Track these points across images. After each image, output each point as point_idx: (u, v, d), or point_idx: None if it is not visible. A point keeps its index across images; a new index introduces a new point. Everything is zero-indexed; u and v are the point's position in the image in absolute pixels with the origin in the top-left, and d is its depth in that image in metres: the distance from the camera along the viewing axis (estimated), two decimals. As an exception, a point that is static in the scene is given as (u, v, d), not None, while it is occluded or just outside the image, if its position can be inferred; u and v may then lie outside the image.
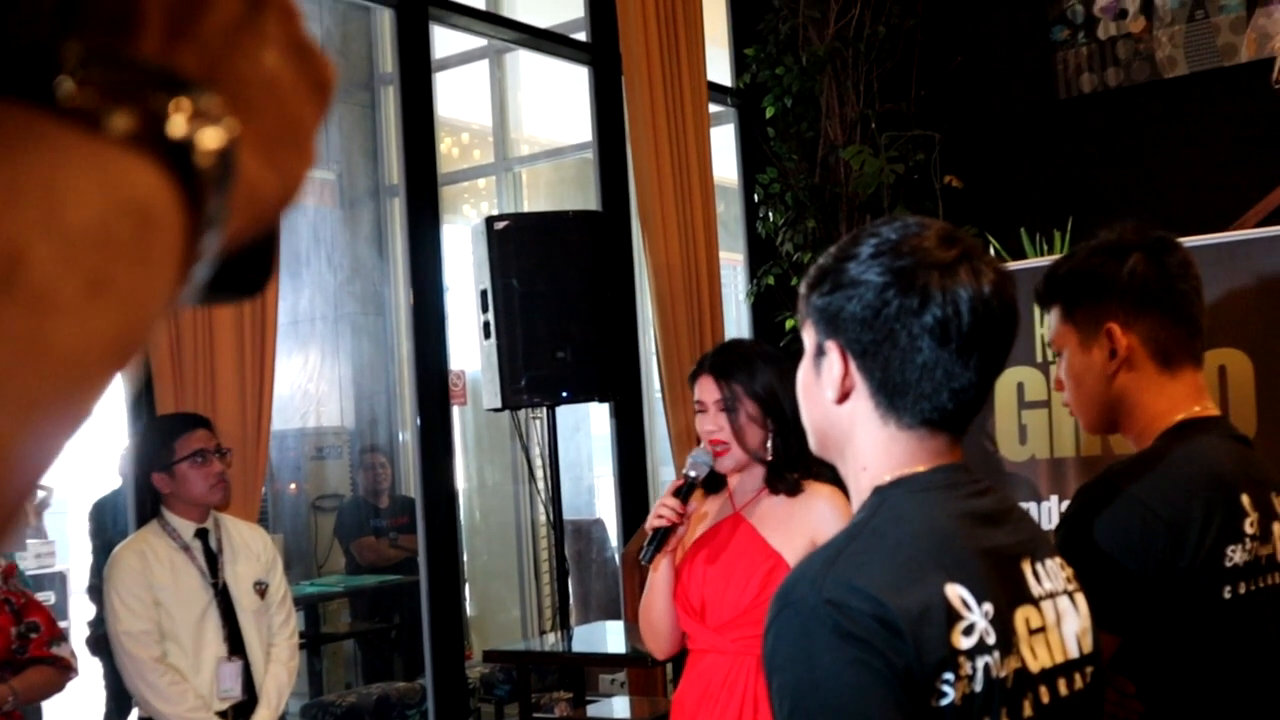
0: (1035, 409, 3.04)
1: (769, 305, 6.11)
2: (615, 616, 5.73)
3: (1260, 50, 5.14)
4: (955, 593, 1.27)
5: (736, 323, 6.59)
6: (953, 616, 1.26)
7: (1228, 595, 1.69)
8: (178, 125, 0.38)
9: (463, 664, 4.86)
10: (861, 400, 1.37)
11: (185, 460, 3.30)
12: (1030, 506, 3.02)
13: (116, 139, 0.37)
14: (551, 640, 4.60)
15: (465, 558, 6.81)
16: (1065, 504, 2.97)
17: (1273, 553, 1.78)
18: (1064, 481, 2.99)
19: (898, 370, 1.34)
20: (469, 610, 7.03)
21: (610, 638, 4.52)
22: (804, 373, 1.45)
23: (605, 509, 6.98)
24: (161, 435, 3.40)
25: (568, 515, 6.29)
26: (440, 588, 4.72)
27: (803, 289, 1.43)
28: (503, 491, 7.23)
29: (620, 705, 4.49)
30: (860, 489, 1.41)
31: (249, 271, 0.47)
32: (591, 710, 4.27)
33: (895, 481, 1.37)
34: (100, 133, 0.37)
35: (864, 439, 1.39)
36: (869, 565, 1.28)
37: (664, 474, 6.57)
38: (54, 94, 0.37)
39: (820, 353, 1.40)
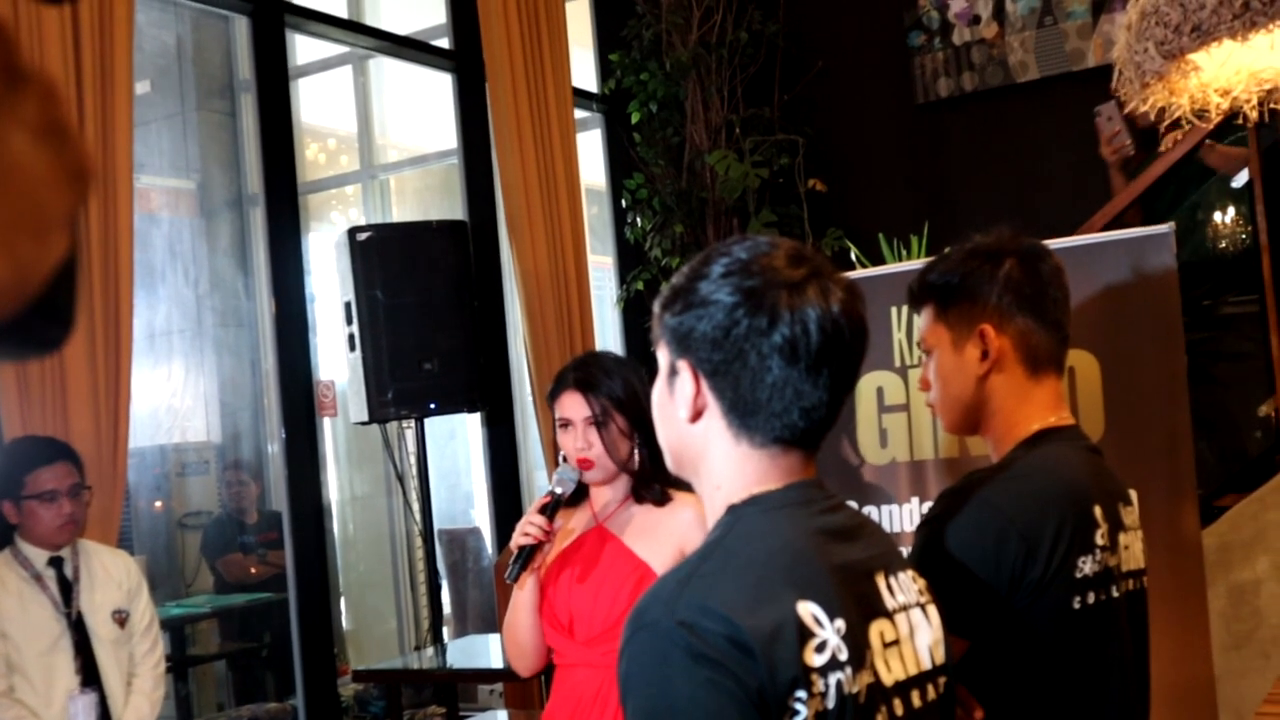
0: (895, 413, 3.09)
1: (639, 310, 6.13)
2: (492, 625, 5.69)
3: (1106, 55, 5.31)
4: (807, 610, 1.28)
5: (607, 327, 6.60)
6: (805, 634, 1.26)
7: (1077, 605, 1.74)
8: None
9: (335, 682, 4.78)
10: (714, 419, 1.38)
11: (34, 498, 3.18)
12: (891, 509, 3.08)
13: None
14: (428, 655, 4.54)
15: (340, 571, 6.70)
16: (926, 505, 3.03)
17: (1119, 564, 1.83)
18: (924, 483, 3.04)
19: (748, 389, 1.35)
20: (345, 624, 6.92)
21: (487, 651, 4.49)
22: (658, 392, 1.45)
23: (482, 517, 6.94)
24: (14, 464, 3.27)
25: (444, 524, 6.24)
26: (310, 604, 4.64)
27: (656, 308, 1.43)
28: (376, 502, 7.13)
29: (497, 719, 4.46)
30: (715, 508, 1.41)
31: (46, 327, 0.45)
32: (466, 726, 4.24)
33: (748, 500, 1.37)
34: None
35: (717, 457, 1.40)
36: (721, 585, 1.28)
37: (538, 479, 6.55)
38: None
39: (673, 372, 1.40)
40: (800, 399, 1.34)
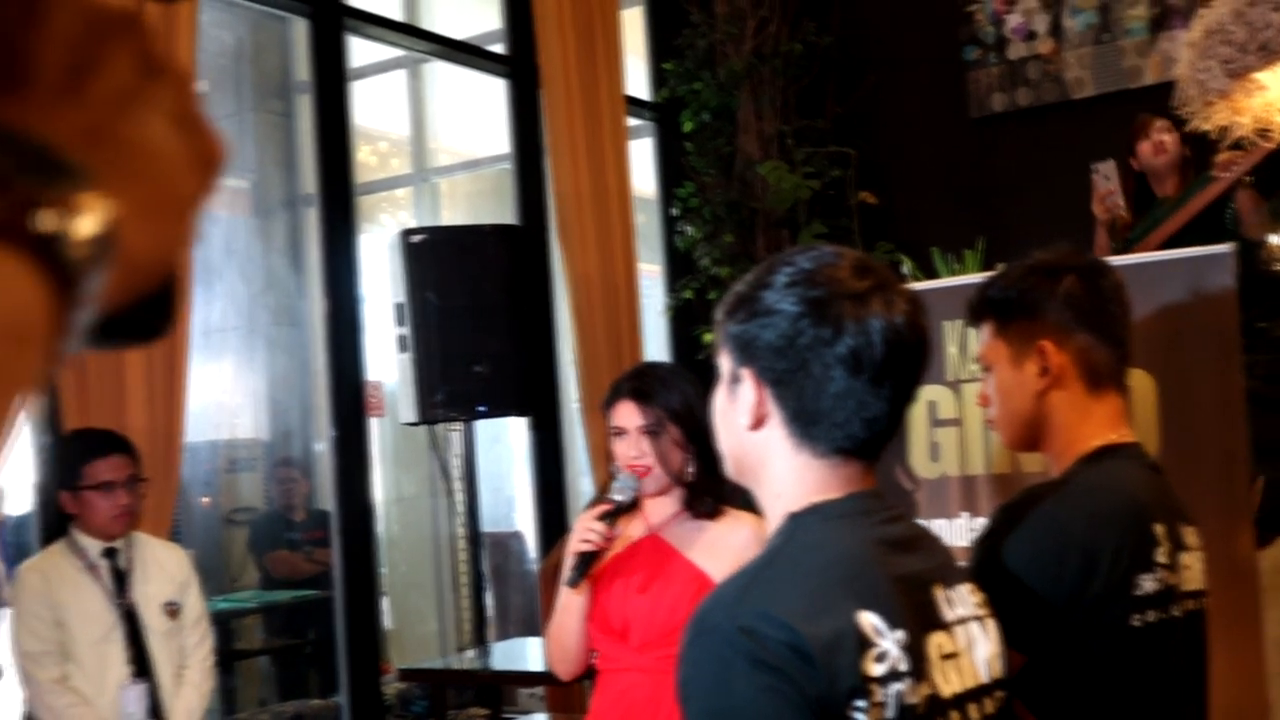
0: (947, 427, 3.09)
1: (687, 318, 6.14)
2: (534, 629, 5.71)
3: (1164, 73, 5.27)
4: (867, 620, 1.28)
5: (655, 335, 6.61)
6: (865, 644, 1.27)
7: (1136, 624, 1.73)
8: (51, 219, 0.38)
9: (378, 680, 4.81)
10: (775, 428, 1.39)
11: (91, 488, 3.23)
12: (942, 524, 3.07)
13: None
14: (470, 656, 4.57)
15: (384, 570, 6.74)
16: (976, 520, 3.02)
17: (1179, 583, 1.82)
18: (975, 499, 3.03)
19: (811, 399, 1.35)
20: (388, 624, 6.96)
21: (529, 654, 4.51)
22: (719, 398, 1.46)
23: (525, 521, 6.96)
24: (73, 455, 3.32)
25: (487, 527, 6.25)
26: (356, 602, 4.67)
27: (719, 315, 1.44)
28: (421, 503, 7.17)
29: (539, 722, 4.47)
30: (775, 515, 1.42)
31: (148, 317, 0.46)
32: (509, 728, 4.25)
33: (809, 509, 1.38)
34: None
35: (778, 466, 1.40)
36: (782, 592, 1.29)
37: (583, 486, 6.56)
38: None
39: (735, 379, 1.41)
40: (863, 410, 1.35)
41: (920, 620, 1.35)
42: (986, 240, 4.07)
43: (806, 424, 1.36)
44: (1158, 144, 4.50)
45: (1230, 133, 2.66)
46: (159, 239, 0.44)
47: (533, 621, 6.06)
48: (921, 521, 3.06)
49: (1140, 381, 2.83)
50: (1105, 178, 4.39)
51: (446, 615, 6.95)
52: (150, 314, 0.46)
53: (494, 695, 4.46)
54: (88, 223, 0.39)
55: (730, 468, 1.48)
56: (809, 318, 1.34)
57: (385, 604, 6.85)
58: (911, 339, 1.37)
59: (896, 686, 1.28)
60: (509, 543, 6.80)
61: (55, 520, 3.44)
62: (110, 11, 0.44)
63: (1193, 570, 1.89)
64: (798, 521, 1.38)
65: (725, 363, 1.43)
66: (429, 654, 6.91)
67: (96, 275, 0.40)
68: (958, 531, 3.05)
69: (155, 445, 3.73)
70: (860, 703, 1.25)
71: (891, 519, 1.42)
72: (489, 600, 6.12)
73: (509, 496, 7.47)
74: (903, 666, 1.29)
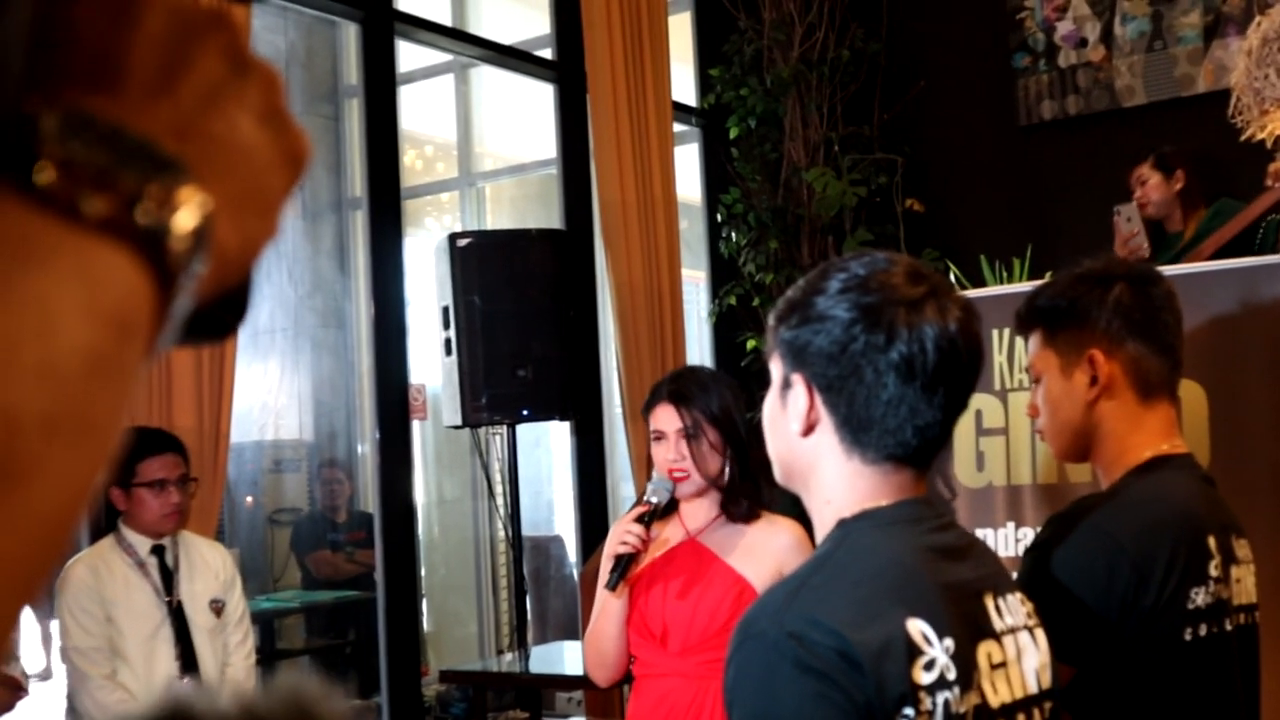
0: (993, 436, 3.06)
1: (730, 325, 6.14)
2: (573, 633, 5.71)
3: (1217, 81, 5.22)
4: (916, 627, 1.28)
5: (698, 341, 6.60)
6: (914, 651, 1.26)
7: (1188, 637, 1.71)
8: (153, 212, 0.39)
9: (419, 682, 4.83)
10: (826, 434, 1.38)
11: (144, 485, 3.26)
12: (986, 533, 3.05)
13: (94, 226, 0.38)
14: (509, 659, 4.58)
15: (423, 573, 6.77)
16: (1021, 531, 3.00)
17: (1231, 596, 1.80)
18: (1020, 509, 3.01)
19: (863, 406, 1.35)
20: (426, 626, 6.99)
21: (568, 658, 4.51)
22: (770, 404, 1.46)
23: (564, 525, 6.97)
24: (124, 452, 3.35)
25: (527, 531, 6.27)
26: (397, 604, 4.70)
27: (771, 321, 1.44)
28: (462, 506, 7.20)
29: (578, 726, 4.48)
30: (824, 521, 1.42)
31: (222, 314, 0.47)
32: (549, 732, 4.26)
33: (859, 515, 1.38)
34: (79, 222, 0.37)
35: (829, 472, 1.40)
36: (831, 599, 1.29)
37: (624, 490, 6.57)
38: (34, 180, 0.37)
39: (786, 385, 1.41)
40: (915, 417, 1.34)
41: (970, 629, 1.34)
42: (1034, 249, 4.04)
43: (857, 430, 1.36)
44: (1141, 197, 4.56)
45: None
46: (247, 234, 0.44)
47: (572, 626, 6.07)
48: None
49: (1191, 392, 2.79)
50: (1127, 219, 4.39)
51: (485, 618, 6.97)
52: (226, 310, 0.47)
53: (533, 698, 4.46)
54: (188, 216, 0.40)
55: (780, 473, 1.48)
56: (862, 324, 1.34)
57: (424, 606, 6.89)
58: (965, 346, 1.36)
59: (944, 695, 1.27)
60: (549, 547, 6.81)
61: (103, 515, 3.48)
62: (200, 9, 0.45)
63: (1244, 584, 1.86)
64: (848, 528, 1.37)
65: (777, 368, 1.43)
66: (467, 656, 6.93)
67: (195, 268, 0.40)
68: (1002, 541, 3.02)
69: (202, 445, 3.77)
70: (908, 710, 1.24)
71: (942, 527, 1.41)
72: (528, 604, 6.13)
73: (549, 500, 7.49)
74: (950, 675, 1.28)
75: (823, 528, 1.42)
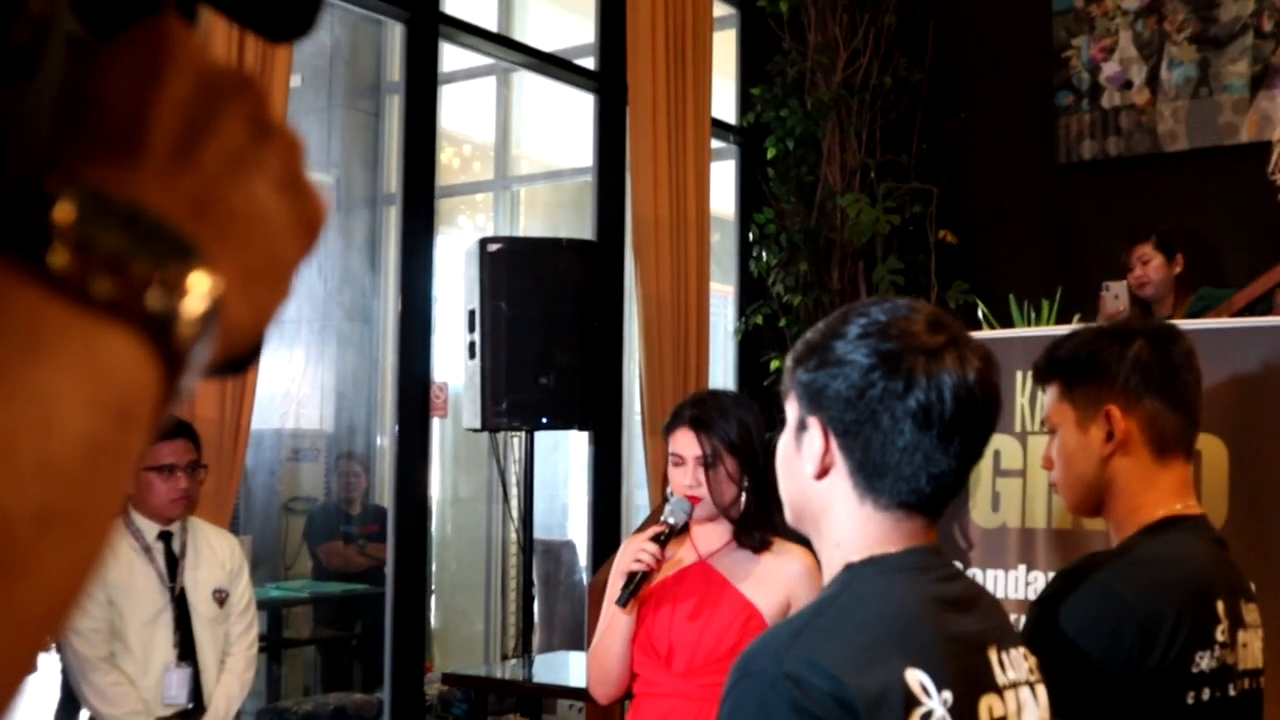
0: (1010, 477, 3.05)
1: (756, 344, 6.14)
2: (578, 640, 5.71)
3: (1261, 132, 5.19)
4: (915, 678, 1.28)
5: (723, 358, 6.60)
6: (910, 702, 1.26)
7: (1191, 701, 1.70)
8: (163, 297, 0.39)
9: (422, 680, 4.85)
10: (840, 478, 1.38)
11: (153, 469, 3.27)
12: (998, 574, 3.03)
13: (102, 309, 0.38)
14: (512, 665, 4.59)
15: (434, 569, 6.79)
16: (1032, 574, 2.99)
17: (1237, 661, 1.79)
18: (1033, 552, 3.00)
19: (878, 451, 1.35)
20: (433, 622, 7.01)
21: (571, 667, 4.52)
22: (784, 445, 1.46)
23: (577, 530, 6.98)
24: None
25: (539, 534, 6.28)
26: (405, 600, 4.71)
27: (789, 362, 1.44)
28: (477, 506, 7.22)
29: (576, 737, 4.48)
30: (832, 564, 1.42)
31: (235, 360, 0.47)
32: (547, 741, 4.26)
33: (866, 560, 1.38)
34: (87, 305, 0.38)
35: (840, 516, 1.40)
36: (831, 643, 1.29)
37: (639, 499, 6.57)
38: (47, 263, 0.37)
39: (802, 427, 1.41)
40: (930, 465, 1.34)
41: (972, 682, 1.33)
42: (1064, 290, 4.03)
43: (872, 476, 1.36)
44: (1140, 277, 4.55)
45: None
46: (259, 305, 0.45)
47: (578, 633, 6.07)
48: (977, 571, 3.04)
49: (1212, 447, 2.78)
50: (1115, 297, 4.37)
51: (492, 619, 6.98)
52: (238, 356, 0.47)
53: (534, 704, 4.47)
54: (198, 301, 0.40)
55: (791, 515, 1.48)
56: (880, 370, 1.34)
57: (432, 603, 6.90)
58: (983, 397, 1.36)
59: (939, 748, 1.27)
60: (560, 552, 6.82)
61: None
62: (224, 73, 0.45)
63: (1251, 648, 1.85)
64: (854, 573, 1.37)
65: (793, 410, 1.43)
66: (472, 655, 6.94)
67: (202, 351, 0.41)
68: (1014, 584, 3.01)
69: (222, 436, 3.79)
70: (902, 761, 1.24)
71: (950, 577, 1.41)
72: (535, 608, 6.14)
73: (564, 504, 7.50)
74: (948, 728, 1.28)
75: (830, 570, 1.42)
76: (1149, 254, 4.65)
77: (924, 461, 1.34)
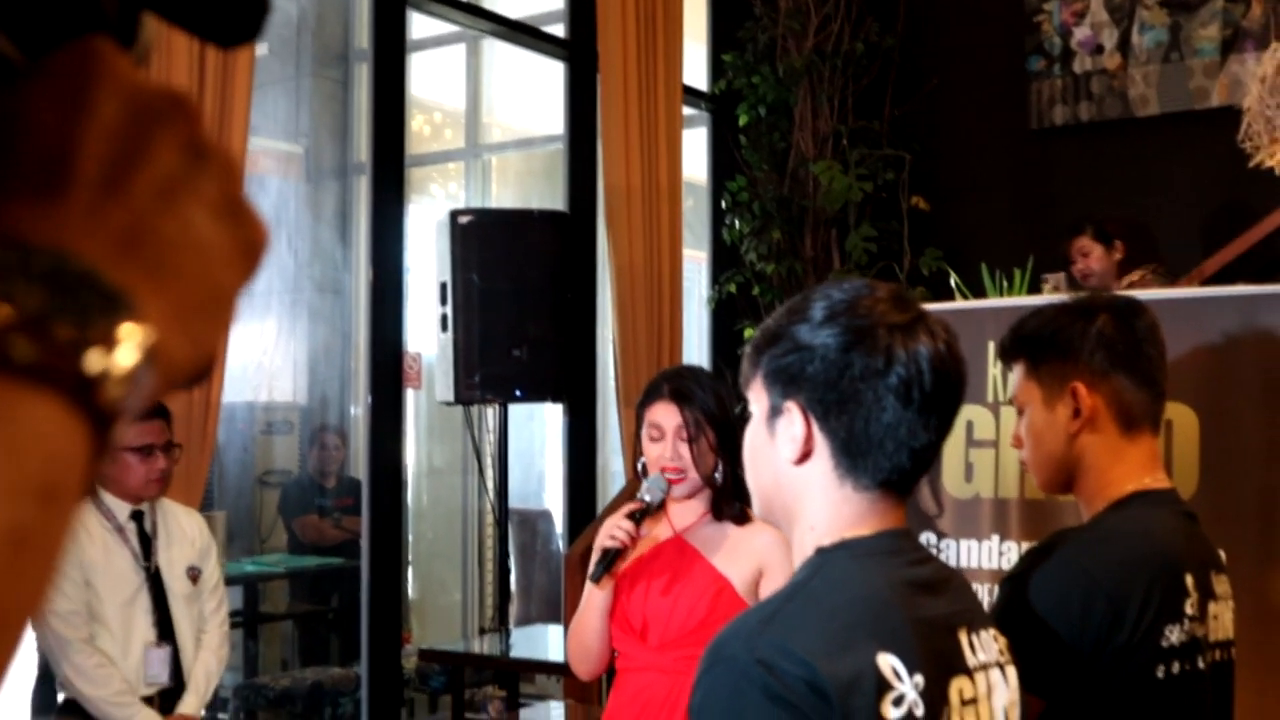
0: (983, 448, 3.06)
1: (730, 312, 6.13)
2: (556, 611, 5.72)
3: (1232, 95, 5.19)
4: (887, 662, 1.28)
5: (697, 327, 6.59)
6: (883, 686, 1.26)
7: (1161, 675, 1.71)
8: (89, 356, 0.37)
9: (399, 653, 4.85)
10: (821, 460, 1.37)
11: (129, 450, 3.25)
12: (971, 544, 3.05)
13: (22, 374, 0.35)
14: (490, 639, 4.59)
15: (410, 540, 6.79)
16: (1006, 544, 3.00)
17: (1207, 634, 1.80)
18: (1007, 522, 3.01)
19: (861, 430, 1.34)
20: (411, 593, 7.01)
21: (549, 642, 4.52)
22: (754, 434, 1.44)
23: (553, 499, 6.98)
24: None
25: (516, 503, 6.28)
26: (381, 574, 4.70)
27: (749, 351, 1.43)
28: (452, 477, 7.20)
29: (554, 711, 4.49)
30: (804, 548, 1.41)
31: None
32: (525, 715, 4.27)
33: (838, 545, 1.37)
34: (5, 372, 0.35)
35: (816, 500, 1.39)
36: (803, 628, 1.28)
37: (614, 466, 6.57)
38: None
39: (776, 413, 1.39)
40: (912, 439, 1.35)
41: (942, 665, 1.34)
42: (1037, 254, 4.03)
43: (856, 455, 1.36)
44: (1083, 269, 4.57)
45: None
46: (199, 338, 0.43)
47: (556, 603, 6.08)
48: (951, 542, 3.05)
49: (1183, 416, 2.79)
50: (1054, 288, 4.39)
51: (470, 589, 6.99)
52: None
53: (512, 676, 4.48)
54: (128, 355, 0.38)
55: (760, 506, 1.47)
56: (858, 348, 1.34)
57: (410, 574, 6.90)
58: (954, 369, 1.37)
59: (911, 732, 1.27)
60: (536, 522, 6.81)
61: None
62: (156, 96, 0.43)
63: (1221, 620, 1.86)
64: (825, 557, 1.37)
65: (763, 398, 1.41)
66: (450, 624, 6.95)
67: (134, 403, 0.39)
68: (987, 554, 3.02)
69: (191, 414, 3.76)
70: (874, 746, 1.24)
71: (920, 560, 1.41)
72: (512, 577, 6.14)
73: (540, 472, 7.49)
74: (919, 711, 1.28)
75: (801, 554, 1.41)
76: (1088, 246, 4.68)
77: (907, 436, 1.34)
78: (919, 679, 1.29)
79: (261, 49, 6.28)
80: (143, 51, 0.45)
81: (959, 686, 1.35)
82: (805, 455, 1.37)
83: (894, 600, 1.34)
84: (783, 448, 1.39)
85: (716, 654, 1.31)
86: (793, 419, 1.37)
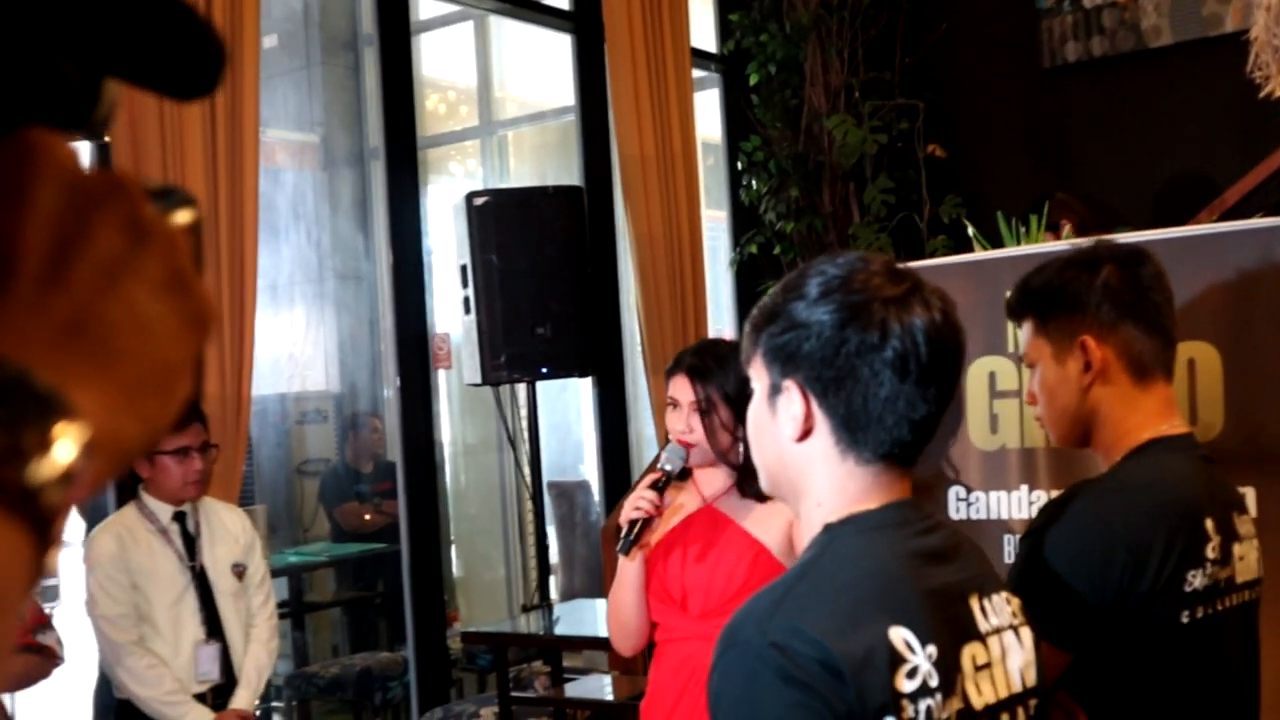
0: (1007, 398, 3.04)
1: (752, 274, 6.11)
2: (598, 583, 5.75)
3: (1245, 20, 5.10)
4: (899, 636, 1.28)
5: (719, 290, 6.58)
6: (896, 660, 1.27)
7: (1185, 620, 1.71)
8: (25, 468, 0.36)
9: (444, 634, 4.90)
10: (822, 437, 1.38)
11: (168, 453, 3.30)
12: (1001, 495, 3.04)
13: None
14: (535, 617, 4.63)
15: (451, 519, 6.84)
16: (1035, 494, 2.99)
17: (1232, 575, 1.79)
18: (1034, 471, 3.00)
19: (860, 405, 1.35)
20: (456, 571, 7.07)
21: (591, 618, 4.55)
22: (756, 412, 1.45)
23: (592, 470, 7.00)
24: None
25: (554, 476, 6.31)
26: (421, 556, 4.75)
27: (748, 328, 1.44)
28: (488, 454, 7.24)
29: (601, 683, 4.52)
30: (812, 524, 1.42)
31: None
32: (571, 689, 4.31)
33: (845, 520, 1.38)
34: None
35: (820, 476, 1.40)
36: (814, 608, 1.29)
37: (648, 433, 6.59)
38: None
39: (776, 391, 1.40)
40: (911, 411, 1.35)
41: (954, 633, 1.34)
42: (1056, 192, 3.99)
43: (856, 430, 1.36)
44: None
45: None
46: (149, 417, 0.43)
47: (598, 574, 6.12)
48: (980, 494, 3.04)
49: (1205, 354, 2.76)
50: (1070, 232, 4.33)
51: (513, 564, 7.04)
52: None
53: (555, 651, 4.52)
54: (65, 455, 0.37)
55: (767, 482, 1.48)
56: (854, 324, 1.34)
57: (453, 551, 6.96)
58: (951, 338, 1.37)
59: (926, 702, 1.28)
60: (575, 493, 6.85)
61: (127, 482, 3.52)
62: (95, 181, 0.43)
63: (1246, 560, 1.86)
64: (833, 533, 1.38)
65: (762, 377, 1.42)
66: (496, 601, 7.00)
67: (77, 497, 0.38)
68: (1017, 504, 3.01)
69: (224, 411, 3.80)
70: (890, 719, 1.25)
71: (928, 529, 1.41)
72: (554, 551, 6.18)
73: (577, 442, 7.51)
74: (933, 682, 1.29)
75: (809, 531, 1.42)
76: (1068, 206, 4.62)
77: (906, 408, 1.35)
78: (932, 649, 1.30)
79: (270, 41, 6.30)
80: (106, 114, 0.45)
81: (971, 653, 1.36)
82: (806, 433, 1.38)
83: (903, 573, 1.34)
84: (784, 426, 1.39)
85: (731, 638, 1.32)
86: (792, 397, 1.38)
